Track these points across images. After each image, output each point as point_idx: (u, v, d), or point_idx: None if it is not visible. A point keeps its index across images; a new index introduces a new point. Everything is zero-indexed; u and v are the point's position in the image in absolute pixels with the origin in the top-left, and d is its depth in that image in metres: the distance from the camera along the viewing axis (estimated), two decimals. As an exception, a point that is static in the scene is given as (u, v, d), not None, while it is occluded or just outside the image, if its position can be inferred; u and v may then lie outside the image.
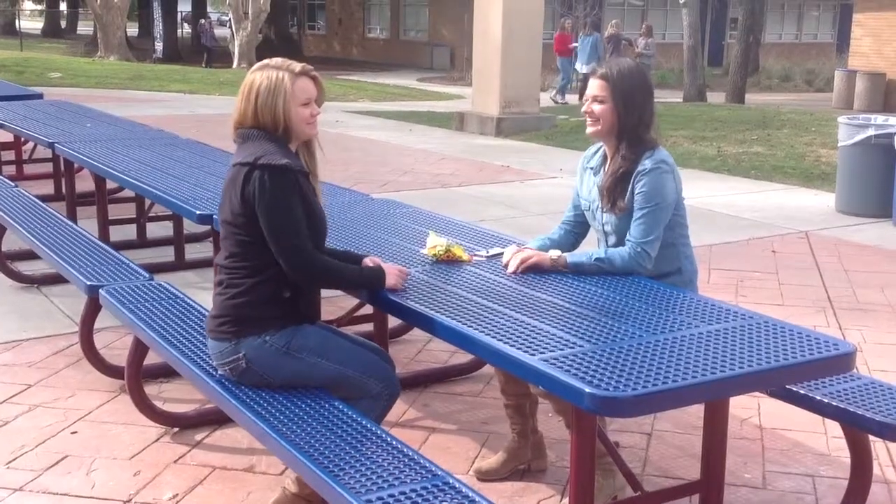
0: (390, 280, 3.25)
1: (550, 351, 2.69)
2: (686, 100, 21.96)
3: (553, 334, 2.83)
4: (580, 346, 2.74)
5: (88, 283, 4.40)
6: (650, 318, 2.98)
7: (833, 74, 25.12)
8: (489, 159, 11.73)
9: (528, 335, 2.82)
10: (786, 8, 40.70)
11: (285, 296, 3.20)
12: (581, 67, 20.85)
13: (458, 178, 10.37)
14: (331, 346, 3.25)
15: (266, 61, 3.27)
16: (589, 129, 3.51)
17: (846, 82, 23.22)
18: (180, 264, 6.54)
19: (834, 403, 3.10)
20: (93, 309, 4.46)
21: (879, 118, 8.83)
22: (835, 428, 3.55)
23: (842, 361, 2.72)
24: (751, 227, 8.09)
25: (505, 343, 2.76)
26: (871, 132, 8.44)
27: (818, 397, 3.15)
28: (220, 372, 3.28)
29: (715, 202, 9.08)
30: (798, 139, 13.32)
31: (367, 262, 3.41)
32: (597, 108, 3.44)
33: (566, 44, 21.78)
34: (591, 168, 3.63)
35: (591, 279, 3.39)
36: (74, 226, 5.56)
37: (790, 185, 10.24)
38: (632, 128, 3.42)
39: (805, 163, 11.48)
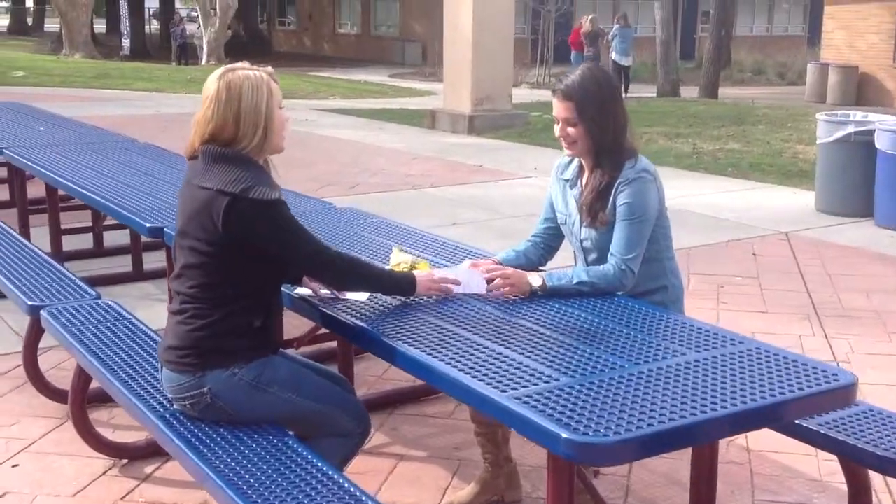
0: (423, 285, 3.08)
1: (523, 386, 2.44)
2: (660, 95, 21.80)
3: (526, 366, 2.58)
4: (556, 380, 2.49)
5: (30, 302, 4.12)
6: (633, 346, 2.74)
7: (805, 67, 25.05)
8: (462, 159, 11.47)
9: (498, 367, 2.57)
10: (756, 1, 40.68)
11: (256, 325, 2.94)
12: (621, 60, 20.79)
13: (430, 179, 10.11)
14: (302, 380, 3.01)
15: (230, 66, 2.99)
16: (567, 152, 3.29)
17: (819, 75, 23.13)
18: (138, 275, 6.25)
19: (831, 434, 2.87)
20: (36, 330, 4.18)
21: (859, 114, 8.64)
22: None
23: (842, 394, 2.49)
24: (730, 229, 7.88)
25: (473, 377, 2.51)
26: (850, 129, 8.24)
27: (812, 427, 2.93)
28: (175, 406, 3.01)
29: (692, 202, 8.87)
30: (774, 135, 13.15)
31: None
32: (571, 130, 3.20)
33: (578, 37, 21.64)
34: (567, 180, 3.38)
35: (571, 300, 3.14)
36: (19, 237, 5.26)
37: (768, 183, 10.05)
38: (610, 140, 3.19)
39: (782, 160, 11.30)
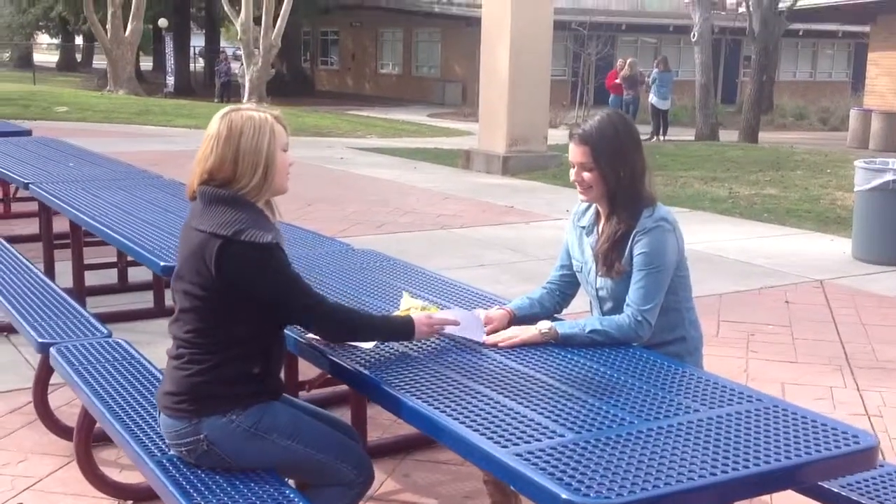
0: (421, 331, 3.00)
1: (526, 442, 2.34)
2: (698, 138, 21.64)
3: (532, 420, 2.47)
4: (561, 435, 2.38)
5: (40, 339, 4.08)
6: (644, 400, 2.62)
7: (848, 113, 24.78)
8: (494, 199, 11.40)
9: (502, 421, 2.46)
10: (800, 46, 40.46)
11: (255, 371, 2.86)
12: (659, 104, 20.92)
13: (460, 220, 10.03)
14: (302, 427, 2.91)
15: (234, 106, 2.94)
16: (582, 197, 3.23)
17: (861, 122, 22.85)
18: (160, 311, 6.20)
19: (853, 497, 2.73)
20: (47, 366, 4.13)
21: (898, 162, 8.46)
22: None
23: (862, 457, 2.35)
24: (763, 275, 7.71)
25: (475, 430, 2.41)
26: (889, 177, 8.06)
27: (835, 489, 2.78)
28: (172, 452, 2.93)
29: (726, 247, 8.71)
30: (813, 181, 12.95)
31: None
32: (586, 175, 3.13)
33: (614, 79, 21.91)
34: (584, 227, 3.29)
35: (582, 350, 3.04)
36: (38, 272, 5.24)
37: (805, 229, 9.86)
38: (626, 187, 3.10)
39: (820, 206, 11.11)
